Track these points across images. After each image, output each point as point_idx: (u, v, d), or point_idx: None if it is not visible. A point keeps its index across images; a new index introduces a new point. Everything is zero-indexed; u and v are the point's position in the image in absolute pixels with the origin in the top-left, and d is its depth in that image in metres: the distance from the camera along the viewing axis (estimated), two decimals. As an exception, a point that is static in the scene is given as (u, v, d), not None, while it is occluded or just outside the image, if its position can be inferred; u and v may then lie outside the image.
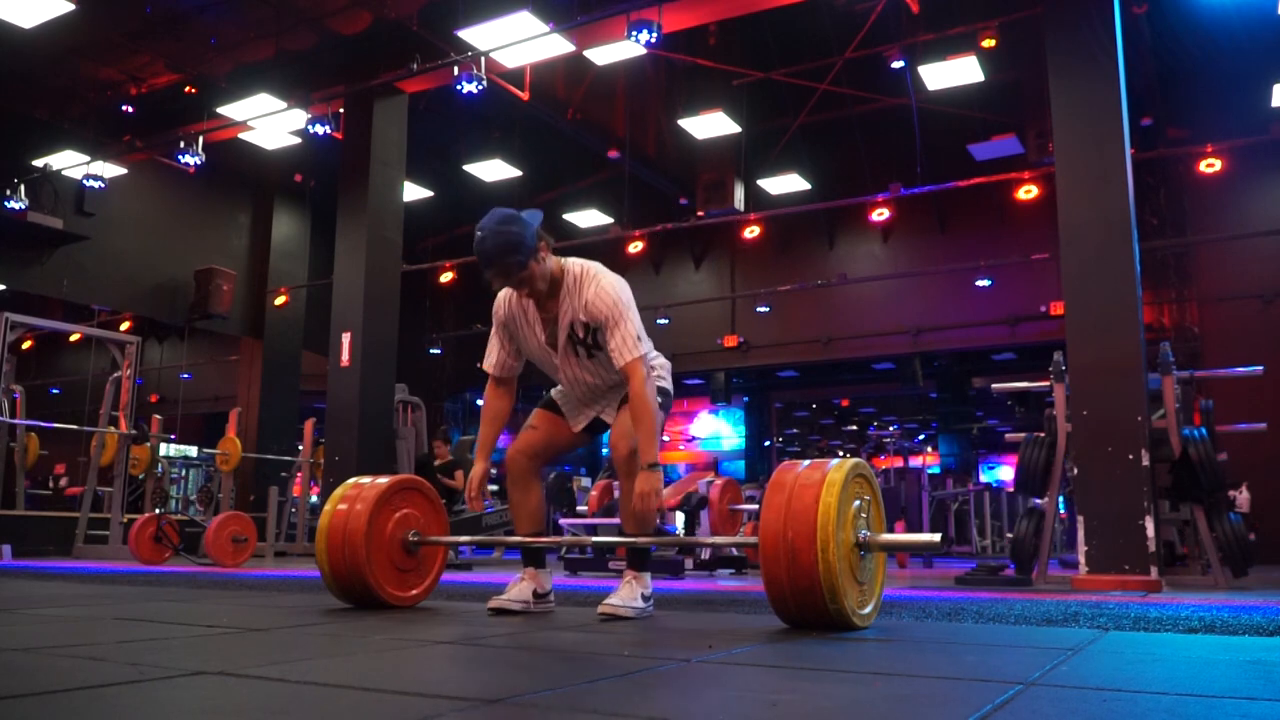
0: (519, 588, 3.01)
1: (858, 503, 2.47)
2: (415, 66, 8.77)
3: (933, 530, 9.67)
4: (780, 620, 2.49)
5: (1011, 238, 12.56)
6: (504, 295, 3.06)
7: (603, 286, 2.89)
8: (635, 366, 2.85)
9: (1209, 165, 10.50)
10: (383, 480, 3.16)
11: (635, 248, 12.81)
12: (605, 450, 17.60)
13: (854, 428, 25.86)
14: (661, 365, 3.14)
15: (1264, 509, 8.49)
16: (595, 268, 2.96)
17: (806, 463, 2.49)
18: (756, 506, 8.17)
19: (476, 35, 8.43)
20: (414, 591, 3.20)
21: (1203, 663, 1.94)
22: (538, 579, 3.05)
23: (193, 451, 15.36)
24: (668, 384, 3.15)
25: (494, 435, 3.14)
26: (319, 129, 9.38)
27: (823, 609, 2.32)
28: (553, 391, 3.20)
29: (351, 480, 3.22)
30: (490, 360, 3.12)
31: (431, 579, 3.27)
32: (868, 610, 2.51)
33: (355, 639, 2.32)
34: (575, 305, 2.91)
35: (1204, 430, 5.71)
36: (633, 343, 2.85)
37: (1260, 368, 6.39)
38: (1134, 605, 3.49)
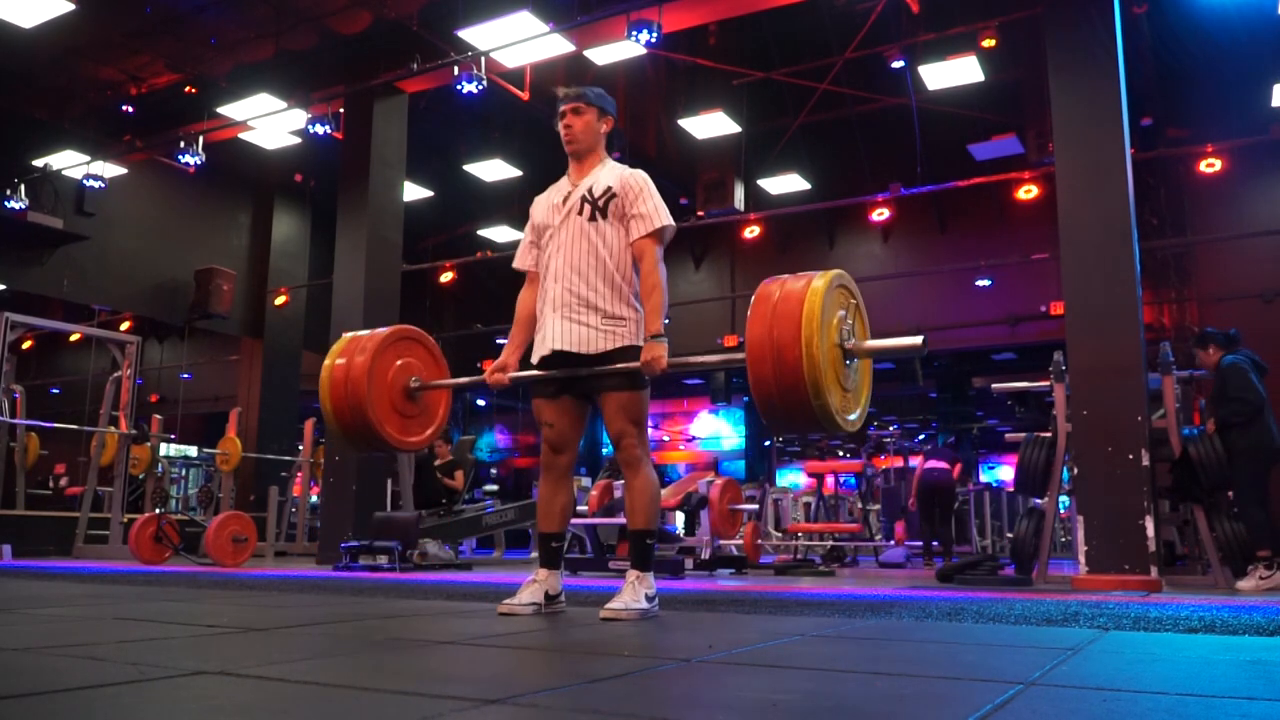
0: (531, 590, 2.98)
1: (842, 311, 2.52)
2: (415, 66, 8.77)
3: (933, 534, 9.65)
4: (767, 423, 2.50)
5: (1011, 237, 12.56)
6: (545, 193, 3.17)
7: (640, 173, 3.05)
8: (651, 244, 2.95)
9: (1209, 165, 10.50)
10: (382, 330, 3.15)
11: (635, 248, 12.79)
12: (605, 450, 17.46)
13: (854, 427, 25.78)
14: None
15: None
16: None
17: (790, 276, 2.53)
18: (757, 506, 8.18)
19: (476, 35, 8.43)
20: (415, 438, 3.21)
21: (1202, 662, 1.94)
22: (549, 581, 3.02)
23: (193, 451, 15.36)
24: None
25: (525, 334, 3.15)
26: (319, 129, 9.38)
27: (807, 406, 2.35)
28: (526, 374, 3.07)
29: (348, 334, 3.18)
30: (520, 257, 3.19)
31: (435, 427, 3.28)
32: (854, 416, 2.55)
33: (355, 639, 2.32)
34: (605, 176, 3.03)
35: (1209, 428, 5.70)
36: (659, 213, 2.96)
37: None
38: (1134, 605, 3.49)
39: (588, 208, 3.00)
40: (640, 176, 3.03)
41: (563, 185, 3.13)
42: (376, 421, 2.99)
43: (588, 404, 3.11)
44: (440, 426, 3.28)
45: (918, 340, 2.52)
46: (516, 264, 3.22)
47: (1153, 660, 1.99)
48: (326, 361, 3.08)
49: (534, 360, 3.06)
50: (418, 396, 3.15)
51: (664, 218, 2.97)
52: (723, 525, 7.01)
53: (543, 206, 3.14)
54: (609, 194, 2.99)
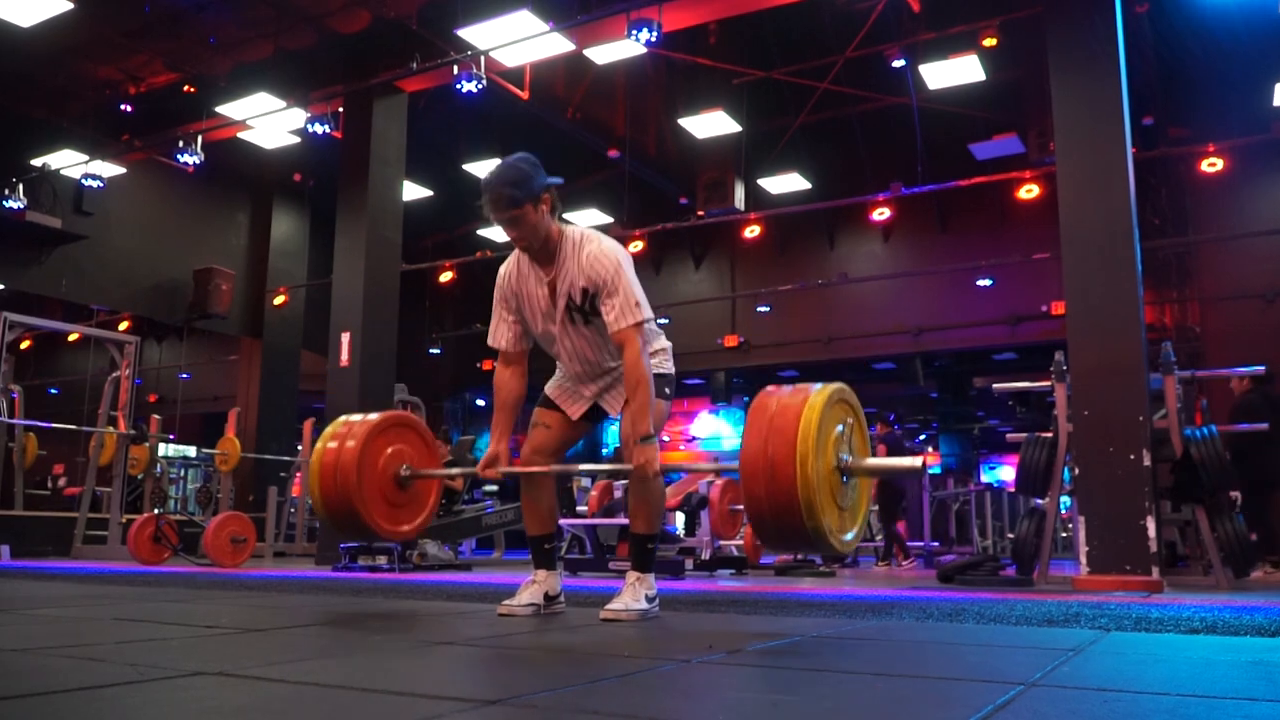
0: (530, 591, 2.97)
1: (840, 427, 2.43)
2: (415, 66, 8.76)
3: (933, 534, 9.65)
4: (760, 539, 2.45)
5: (1012, 237, 12.56)
6: (507, 265, 3.00)
7: (603, 248, 2.85)
8: (631, 335, 2.79)
9: (1210, 165, 10.49)
10: (373, 416, 3.12)
11: (635, 247, 12.79)
12: (605, 450, 17.34)
13: (854, 427, 25.77)
14: (664, 348, 3.08)
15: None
16: (595, 233, 2.94)
17: (789, 388, 2.47)
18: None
19: (476, 34, 8.42)
20: (405, 527, 3.16)
21: (1204, 663, 1.94)
22: (548, 582, 3.01)
23: (192, 451, 15.36)
24: (670, 369, 3.08)
25: (510, 420, 3.05)
26: (318, 128, 9.38)
27: (800, 527, 2.28)
28: (548, 387, 3.13)
29: (341, 418, 3.17)
30: (495, 336, 3.05)
31: (424, 517, 3.23)
32: (849, 537, 2.47)
33: (355, 639, 2.32)
34: (574, 268, 2.85)
35: (1214, 428, 5.69)
36: (630, 309, 2.79)
37: (1261, 368, 6.38)
38: (1135, 606, 3.49)
39: (578, 316, 2.89)
40: (610, 263, 2.82)
41: (527, 272, 2.95)
42: (365, 511, 2.96)
43: (590, 426, 3.17)
44: (430, 515, 3.25)
45: (917, 463, 2.52)
46: (493, 342, 3.05)
47: (1154, 661, 1.98)
48: (318, 445, 3.06)
49: (552, 394, 3.09)
50: (408, 485, 3.13)
51: (644, 310, 2.82)
52: (723, 526, 7.00)
53: (514, 288, 2.98)
54: (587, 295, 2.85)
